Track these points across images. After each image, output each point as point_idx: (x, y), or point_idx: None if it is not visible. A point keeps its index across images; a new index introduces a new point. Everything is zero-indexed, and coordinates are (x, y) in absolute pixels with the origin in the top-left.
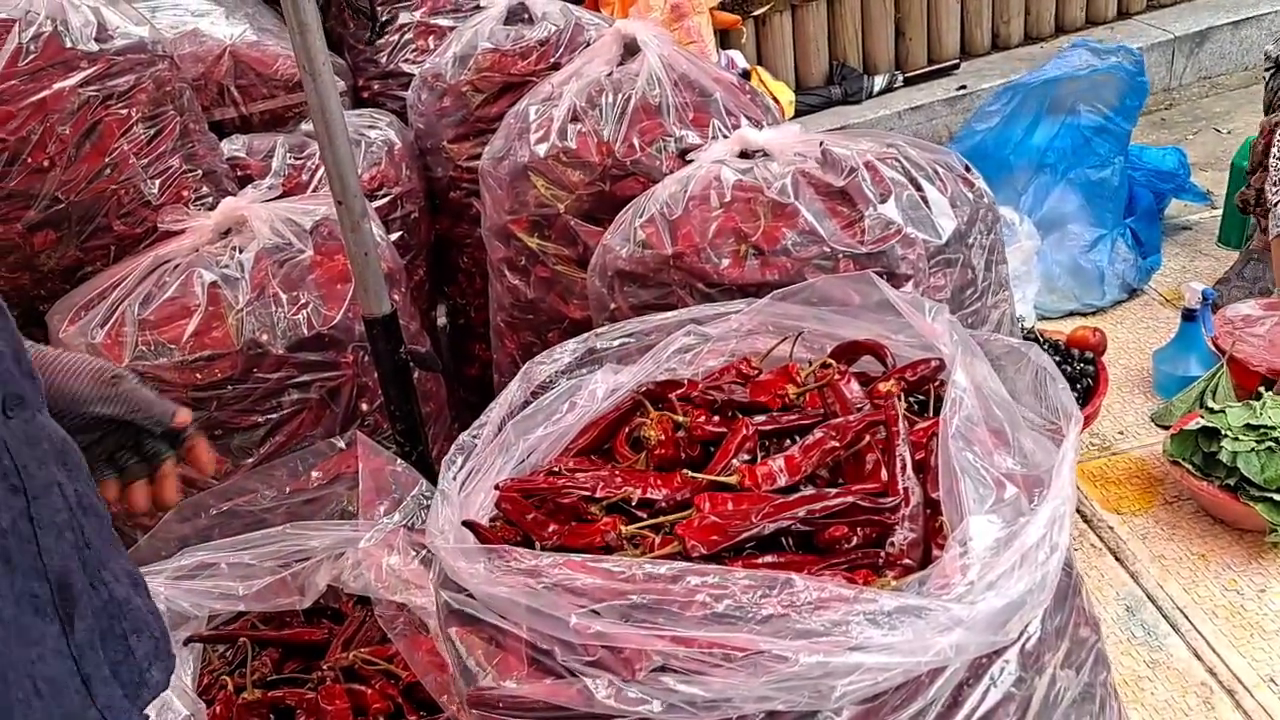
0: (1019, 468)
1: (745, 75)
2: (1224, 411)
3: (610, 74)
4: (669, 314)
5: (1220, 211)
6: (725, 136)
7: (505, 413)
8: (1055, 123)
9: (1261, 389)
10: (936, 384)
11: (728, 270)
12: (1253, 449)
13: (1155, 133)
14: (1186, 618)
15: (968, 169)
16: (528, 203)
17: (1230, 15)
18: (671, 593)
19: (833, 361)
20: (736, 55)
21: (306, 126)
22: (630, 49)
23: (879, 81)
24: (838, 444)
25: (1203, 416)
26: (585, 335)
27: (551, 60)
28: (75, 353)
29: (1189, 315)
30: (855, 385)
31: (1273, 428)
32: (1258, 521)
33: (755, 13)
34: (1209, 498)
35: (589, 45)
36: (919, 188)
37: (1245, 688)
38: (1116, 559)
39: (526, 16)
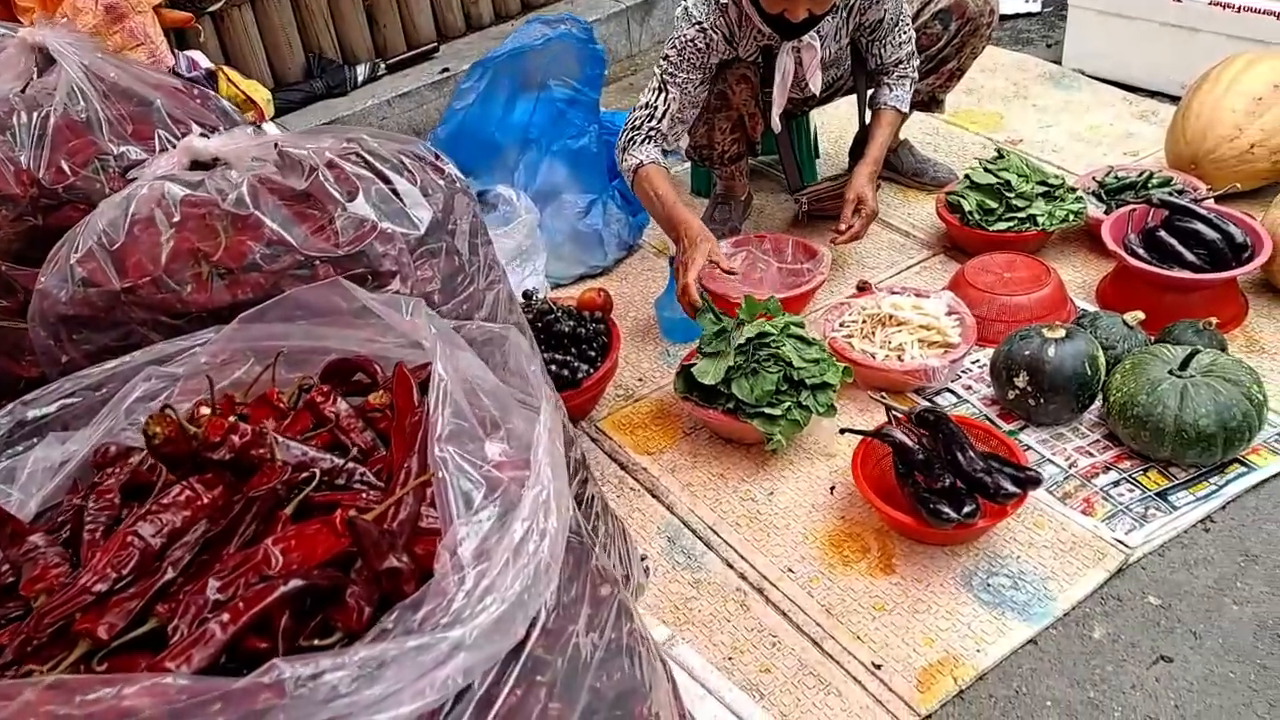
0: (513, 453)
1: (211, 76)
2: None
3: (23, 90)
4: (118, 360)
5: (689, 164)
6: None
7: None
8: (531, 99)
9: (743, 319)
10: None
11: (192, 296)
12: (741, 374)
13: (626, 98)
14: (717, 534)
15: (437, 156)
16: None
17: None
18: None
19: (314, 382)
20: (198, 56)
21: None
22: (49, 59)
23: (361, 71)
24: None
25: (699, 352)
26: (10, 406)
27: None
28: None
29: (674, 262)
30: (342, 403)
31: (749, 353)
32: (757, 435)
33: (211, 8)
34: (716, 423)
35: None
36: (387, 181)
37: (770, 582)
38: (654, 496)
39: None
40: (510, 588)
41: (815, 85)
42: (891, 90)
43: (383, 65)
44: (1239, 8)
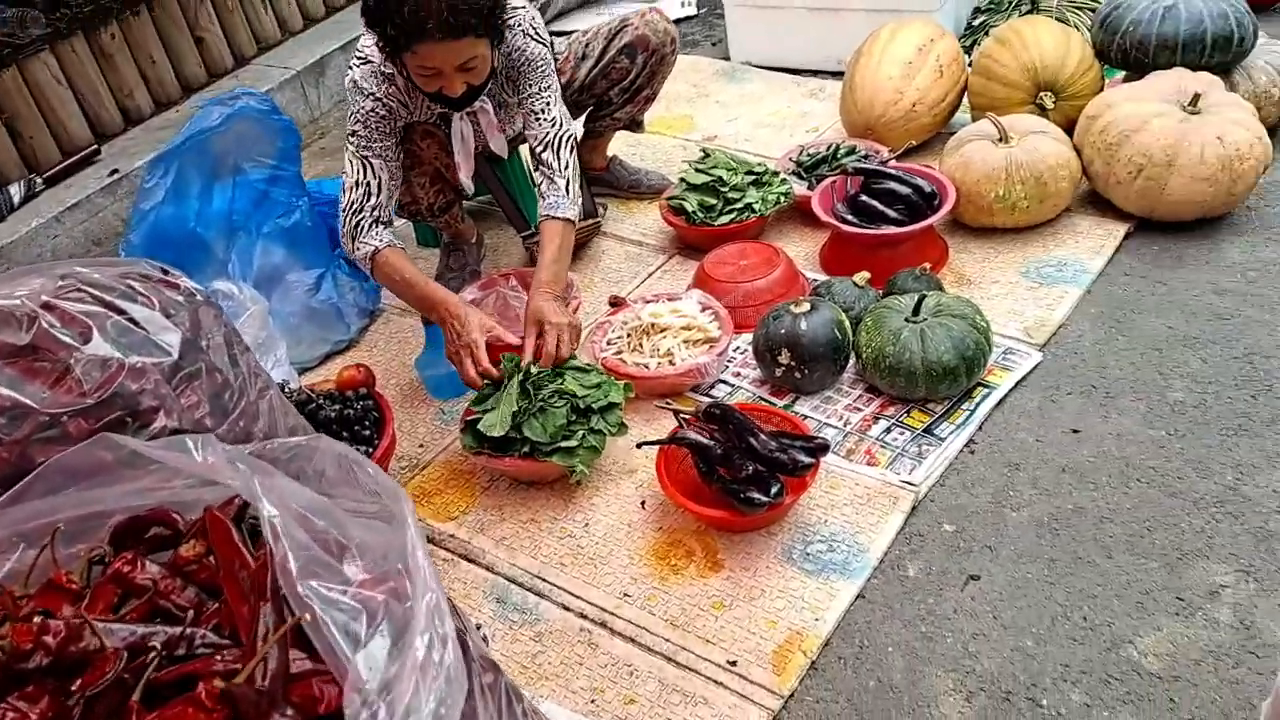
0: (372, 565)
1: None
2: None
3: None
4: None
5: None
6: None
7: None
8: (227, 184)
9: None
10: (249, 521)
11: None
12: (529, 415)
13: (321, 162)
14: (544, 580)
15: (166, 272)
16: None
17: (337, 41)
18: None
19: (106, 550)
20: None
21: None
22: None
23: (16, 191)
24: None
25: (475, 406)
26: None
27: None
28: None
29: (426, 320)
30: (153, 566)
31: (532, 394)
32: (559, 470)
33: None
34: (515, 469)
35: None
36: (121, 311)
37: (610, 613)
38: (469, 561)
39: None
40: (427, 705)
41: (498, 147)
42: (545, 199)
43: (39, 180)
44: None
